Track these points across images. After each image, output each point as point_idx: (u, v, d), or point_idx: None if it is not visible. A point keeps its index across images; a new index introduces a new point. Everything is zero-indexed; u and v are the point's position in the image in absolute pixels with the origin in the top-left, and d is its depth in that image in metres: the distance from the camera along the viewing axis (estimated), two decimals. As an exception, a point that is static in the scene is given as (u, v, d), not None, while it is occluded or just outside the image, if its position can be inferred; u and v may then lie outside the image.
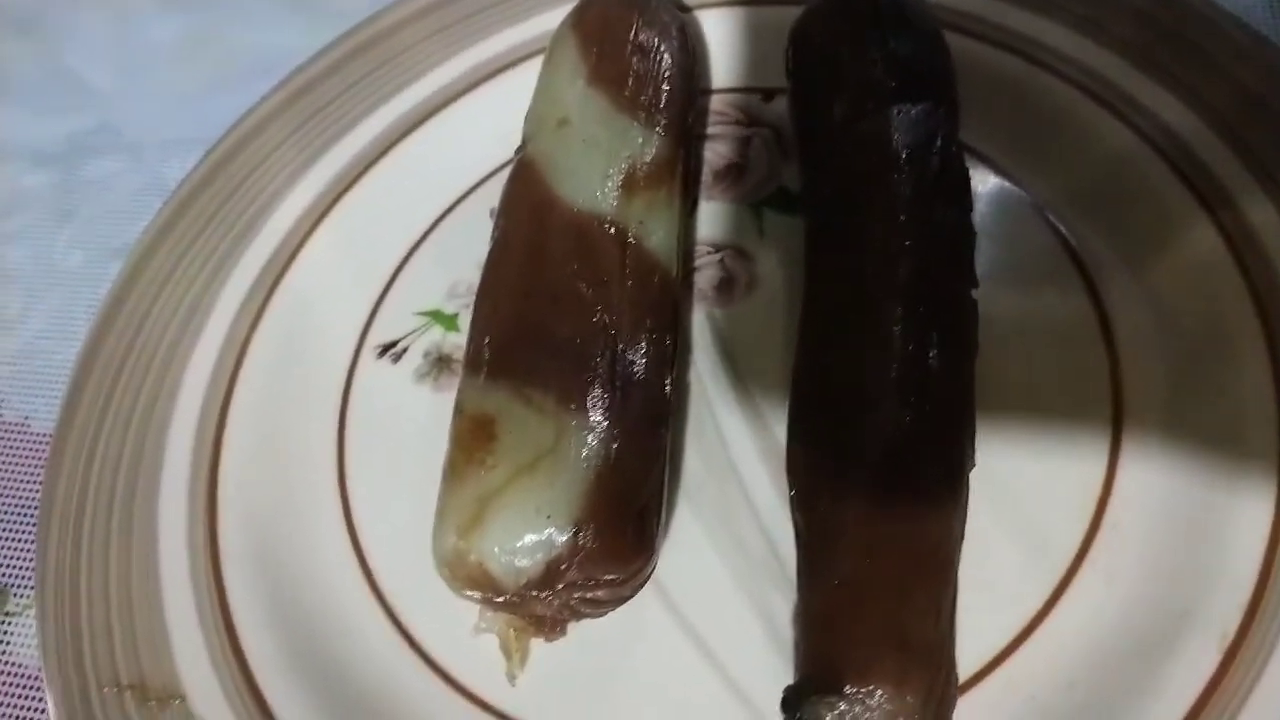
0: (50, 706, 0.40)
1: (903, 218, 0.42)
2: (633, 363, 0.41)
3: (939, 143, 0.44)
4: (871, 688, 0.33)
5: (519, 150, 0.48)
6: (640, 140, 0.46)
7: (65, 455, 0.46)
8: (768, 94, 0.56)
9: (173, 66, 0.70)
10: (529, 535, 0.36)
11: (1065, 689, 0.38)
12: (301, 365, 0.50)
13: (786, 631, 0.40)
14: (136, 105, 0.69)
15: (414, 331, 0.51)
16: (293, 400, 0.49)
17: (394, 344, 0.51)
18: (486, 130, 0.54)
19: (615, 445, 0.39)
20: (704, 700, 0.40)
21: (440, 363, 0.50)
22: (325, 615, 0.43)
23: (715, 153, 0.55)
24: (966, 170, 0.45)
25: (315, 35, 0.59)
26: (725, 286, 0.50)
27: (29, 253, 0.63)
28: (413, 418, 0.48)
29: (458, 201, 0.55)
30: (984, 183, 0.51)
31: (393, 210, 0.54)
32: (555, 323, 0.42)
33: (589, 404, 0.39)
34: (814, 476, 0.40)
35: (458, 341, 0.50)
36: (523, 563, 0.36)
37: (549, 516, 0.37)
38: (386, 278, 0.53)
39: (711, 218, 0.53)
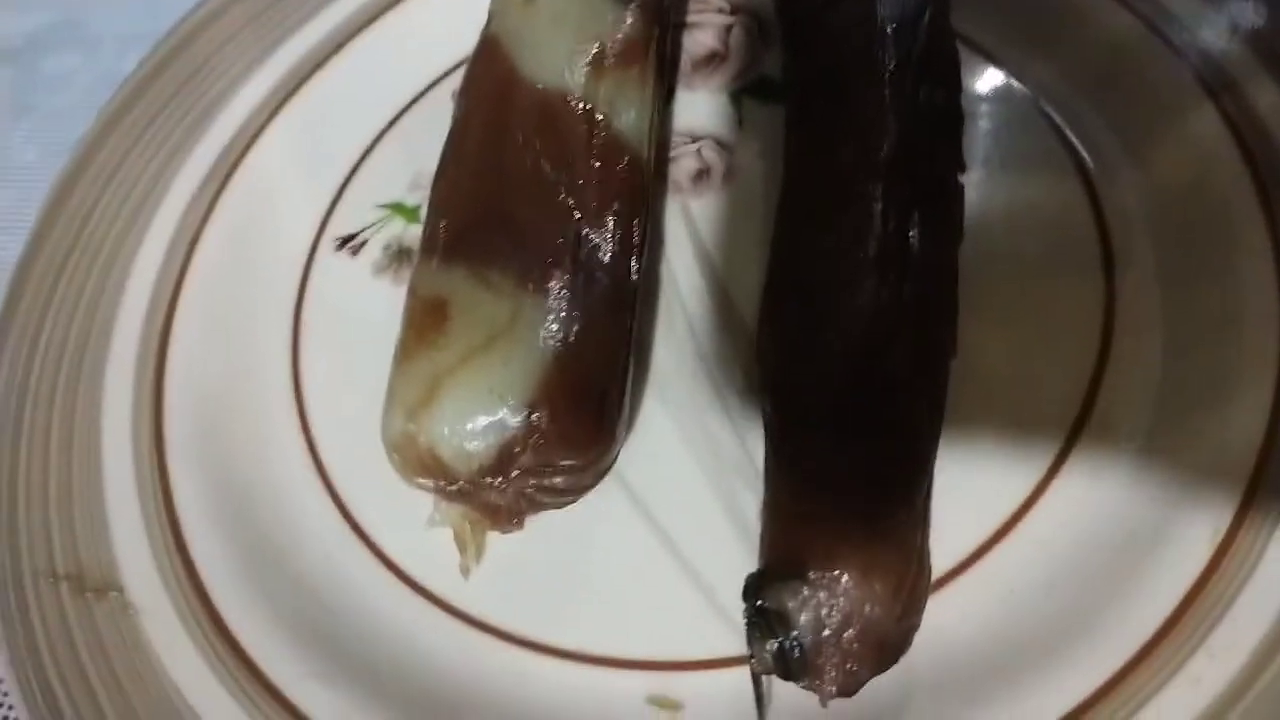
0: (-19, 596, 0.38)
1: (887, 96, 0.40)
2: (597, 245, 0.39)
3: (926, 19, 0.41)
4: (837, 573, 0.31)
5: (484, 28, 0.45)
6: (611, 16, 0.43)
7: (7, 345, 0.44)
8: (751, -20, 0.53)
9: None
10: (480, 416, 0.34)
11: (1045, 588, 0.36)
12: (256, 257, 0.48)
13: (755, 527, 0.38)
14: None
15: (374, 224, 0.49)
16: (246, 292, 0.47)
17: (353, 236, 0.49)
18: (454, 17, 0.50)
19: (575, 328, 0.37)
20: (665, 593, 0.38)
21: (400, 255, 0.48)
22: (273, 507, 0.41)
23: (695, 40, 0.52)
24: (956, 49, 0.42)
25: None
26: (701, 177, 0.48)
27: (-18, 149, 0.60)
28: (370, 311, 0.46)
29: (424, 91, 0.52)
30: (975, 69, 0.48)
31: (354, 100, 0.51)
32: (515, 203, 0.39)
33: (548, 285, 0.37)
34: (783, 361, 0.37)
35: (419, 234, 0.48)
36: (474, 445, 0.34)
37: (501, 397, 0.34)
38: (347, 169, 0.50)
39: (689, 107, 0.50)
